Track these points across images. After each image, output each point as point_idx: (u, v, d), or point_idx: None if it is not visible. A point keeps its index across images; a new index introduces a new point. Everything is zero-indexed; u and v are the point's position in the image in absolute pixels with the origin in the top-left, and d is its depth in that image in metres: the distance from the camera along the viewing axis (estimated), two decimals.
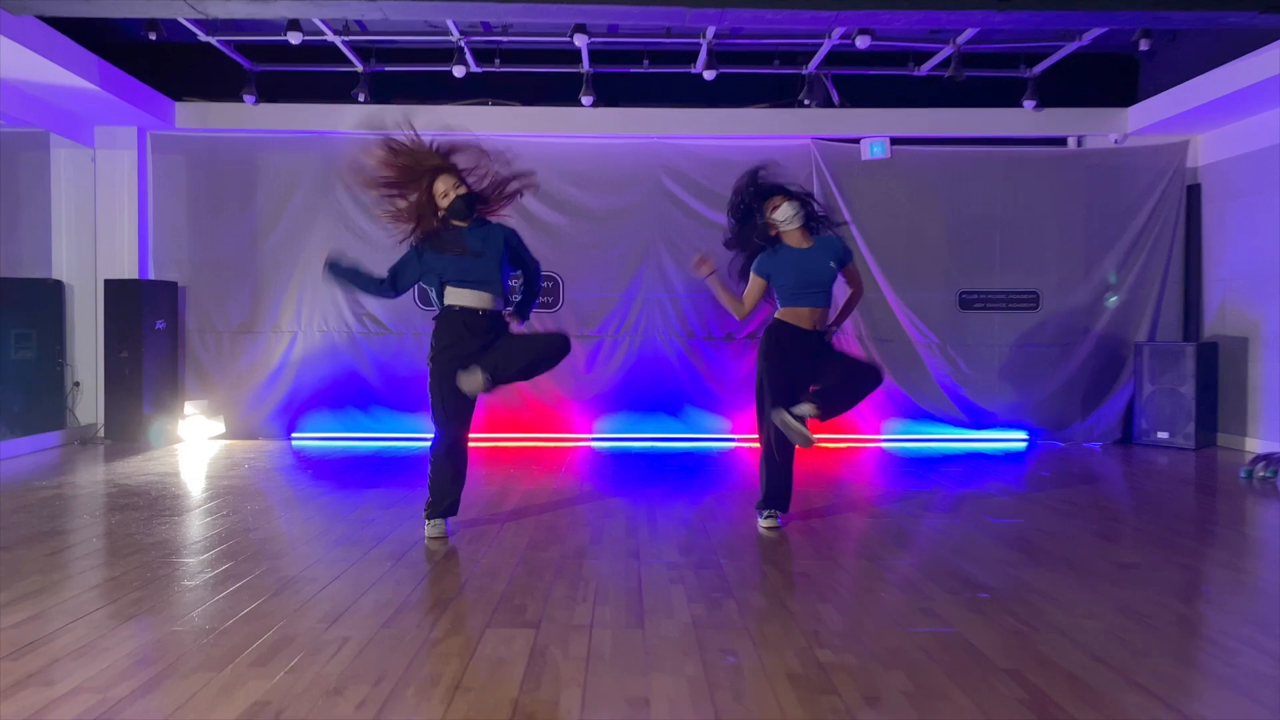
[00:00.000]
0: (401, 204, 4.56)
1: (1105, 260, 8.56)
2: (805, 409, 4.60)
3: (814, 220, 4.84)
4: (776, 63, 8.43)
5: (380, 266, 4.81)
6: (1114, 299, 8.57)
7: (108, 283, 8.13)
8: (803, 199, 4.82)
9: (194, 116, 8.45)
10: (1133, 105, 8.43)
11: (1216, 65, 7.35)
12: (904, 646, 3.04)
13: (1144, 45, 7.35)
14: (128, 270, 8.31)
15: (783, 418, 4.58)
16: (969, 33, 7.52)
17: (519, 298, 4.89)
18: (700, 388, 8.63)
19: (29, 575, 3.88)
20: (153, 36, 7.35)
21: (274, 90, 8.35)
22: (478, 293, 4.53)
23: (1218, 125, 8.17)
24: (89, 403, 8.44)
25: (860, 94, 8.53)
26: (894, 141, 8.50)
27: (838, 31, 7.32)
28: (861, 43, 7.16)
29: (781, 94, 8.54)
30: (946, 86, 8.32)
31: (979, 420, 8.58)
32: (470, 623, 3.29)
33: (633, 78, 8.45)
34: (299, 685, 2.72)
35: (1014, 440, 8.55)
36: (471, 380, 4.38)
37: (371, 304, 8.49)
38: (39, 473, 6.64)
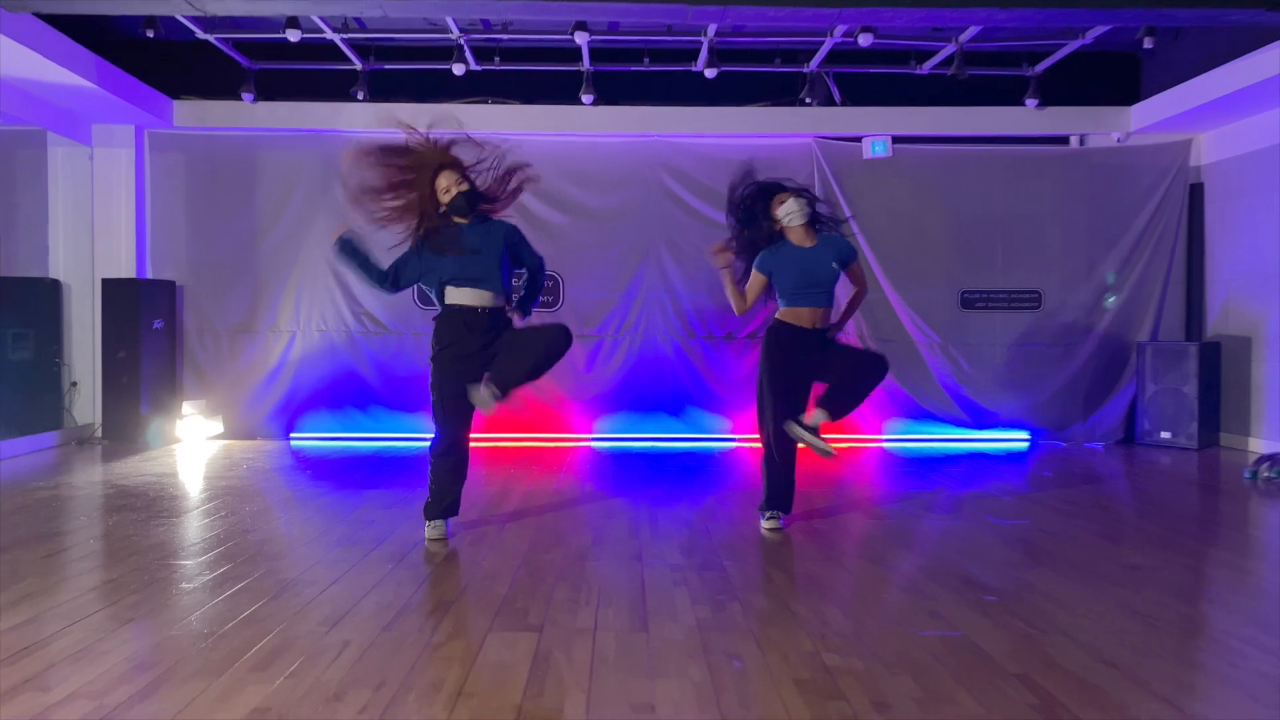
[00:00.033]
0: (402, 203, 4.52)
1: (1107, 260, 8.53)
2: (817, 416, 4.63)
3: (818, 218, 4.80)
4: (778, 61, 8.39)
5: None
6: (1112, 299, 8.54)
7: (105, 282, 8.08)
8: (808, 196, 4.79)
9: (192, 115, 8.41)
10: (1135, 104, 8.40)
11: (1219, 64, 7.32)
12: (911, 650, 3.00)
13: (1148, 43, 7.31)
14: (125, 269, 8.26)
15: (797, 432, 4.63)
16: (971, 31, 7.49)
17: (522, 293, 4.84)
18: (701, 387, 8.59)
19: (25, 578, 3.84)
20: (150, 34, 7.31)
21: (273, 88, 8.30)
22: (477, 291, 4.49)
23: (1221, 124, 8.14)
24: (86, 403, 8.40)
25: (862, 92, 8.49)
26: (896, 140, 8.47)
27: (840, 29, 7.28)
28: (864, 40, 7.12)
29: (783, 92, 8.51)
30: (948, 85, 8.29)
31: (981, 420, 8.55)
32: (472, 626, 3.25)
33: (633, 76, 8.41)
34: (299, 691, 2.68)
35: (1016, 440, 8.51)
36: (482, 397, 4.33)
37: (371, 303, 8.46)
38: (36, 473, 6.60)
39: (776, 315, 4.83)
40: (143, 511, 5.23)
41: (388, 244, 4.71)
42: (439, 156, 4.50)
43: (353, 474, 6.71)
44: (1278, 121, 7.56)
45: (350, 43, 7.91)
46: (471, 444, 4.71)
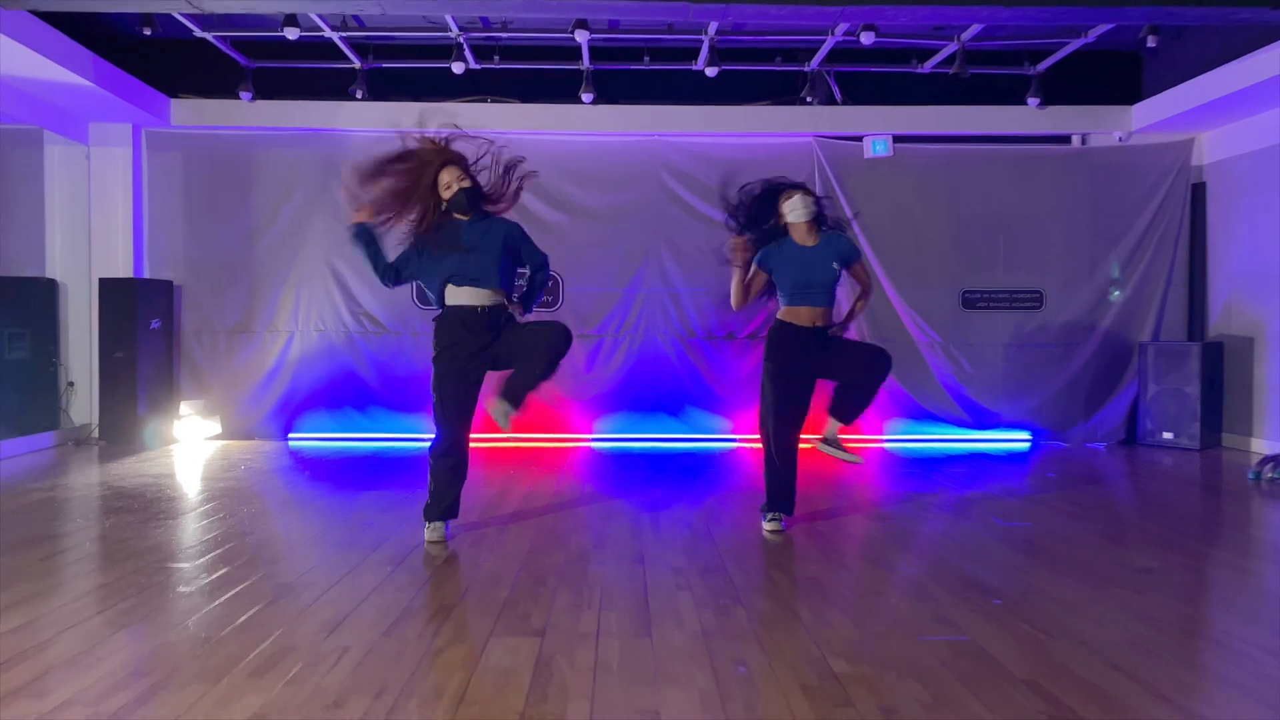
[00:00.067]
0: (406, 206, 4.46)
1: (1109, 259, 8.49)
2: (831, 426, 4.75)
3: (823, 217, 4.76)
4: (778, 60, 8.35)
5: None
6: (1117, 293, 8.51)
7: (102, 281, 8.03)
8: (815, 196, 4.74)
9: (190, 113, 8.36)
10: (1137, 103, 8.36)
11: (1222, 63, 7.28)
12: (918, 655, 2.96)
13: (1151, 42, 7.27)
14: (122, 269, 8.21)
15: (827, 450, 4.80)
16: (973, 29, 7.45)
17: (524, 290, 4.78)
18: (701, 388, 8.55)
19: (20, 582, 3.80)
20: (148, 32, 7.26)
21: (271, 87, 8.25)
22: (475, 290, 4.45)
23: (1223, 123, 8.10)
24: (83, 403, 8.34)
25: (863, 91, 8.46)
26: (897, 139, 8.43)
27: (842, 27, 7.24)
28: (866, 39, 7.08)
29: (783, 91, 8.47)
30: (949, 84, 8.25)
31: (982, 420, 8.51)
32: (473, 631, 3.21)
33: (633, 74, 8.37)
34: (298, 698, 2.64)
35: (1017, 441, 8.48)
36: (498, 412, 4.36)
37: (369, 303, 8.42)
38: (32, 474, 6.55)
39: (778, 316, 4.80)
40: (140, 513, 5.18)
41: (393, 243, 4.67)
42: (441, 154, 4.46)
43: (351, 475, 6.67)
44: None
45: (349, 41, 7.87)
46: (471, 445, 4.67)
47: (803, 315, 4.70)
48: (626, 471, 6.93)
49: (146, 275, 8.40)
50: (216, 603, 3.51)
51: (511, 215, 4.78)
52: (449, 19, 7.34)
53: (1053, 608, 3.48)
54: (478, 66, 8.11)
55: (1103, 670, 2.85)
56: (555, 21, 7.54)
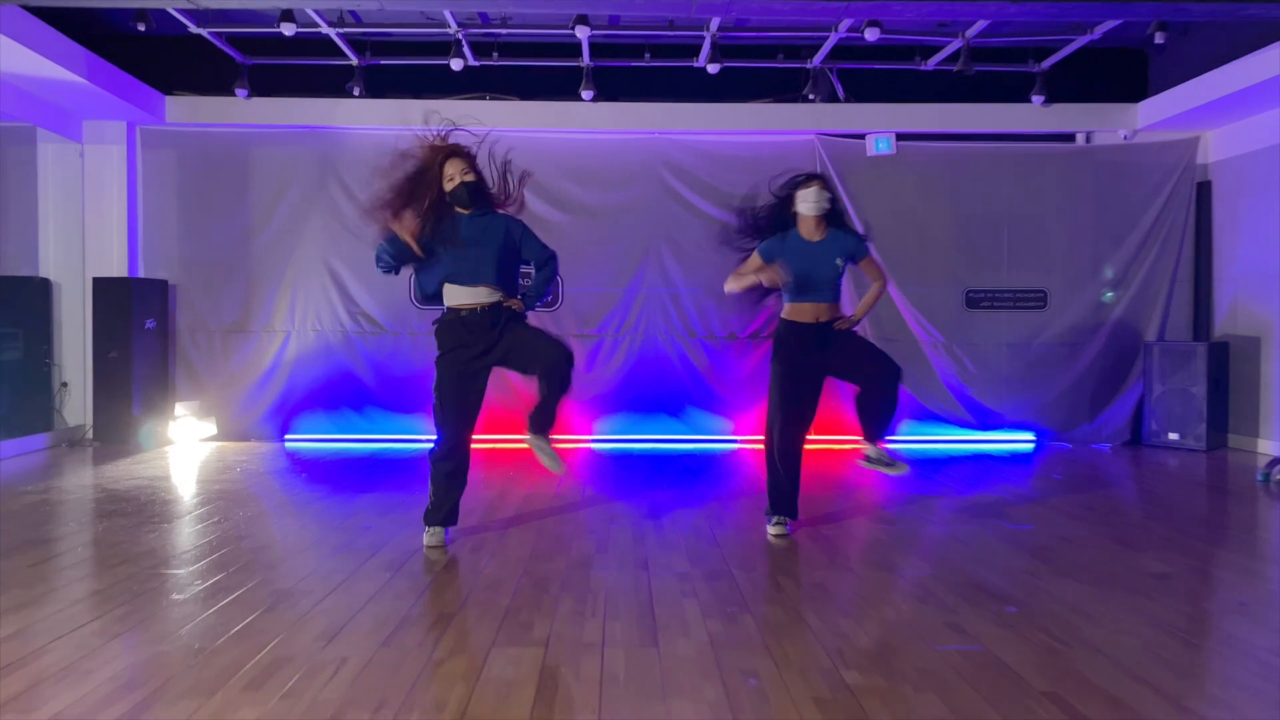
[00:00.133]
0: (414, 200, 4.36)
1: (1114, 259, 8.42)
2: (868, 449, 4.74)
3: (835, 216, 4.67)
4: (780, 57, 8.27)
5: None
6: (1110, 294, 8.43)
7: (96, 281, 7.93)
8: (831, 193, 4.63)
9: (185, 111, 8.26)
10: (1142, 101, 8.29)
11: (1228, 61, 7.21)
12: (934, 666, 2.88)
13: (1159, 38, 7.18)
14: (117, 268, 8.11)
15: (870, 466, 4.78)
16: (978, 26, 7.38)
17: (529, 286, 4.68)
18: (702, 388, 8.47)
19: (11, 588, 3.71)
20: (142, 28, 7.15)
21: (267, 84, 8.16)
22: (472, 289, 4.35)
23: (1229, 121, 8.03)
24: (77, 404, 8.25)
25: (866, 89, 8.38)
26: (900, 137, 8.35)
27: (845, 24, 7.16)
28: (870, 35, 6.99)
29: (785, 89, 8.39)
30: (953, 81, 8.18)
31: (985, 421, 8.44)
32: (475, 641, 3.12)
33: (634, 72, 8.28)
34: (295, 711, 2.56)
35: (1021, 441, 8.40)
36: (544, 452, 4.48)
37: (367, 303, 8.33)
38: (25, 477, 6.46)
39: (781, 314, 4.72)
40: (134, 517, 5.09)
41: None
42: (445, 148, 4.38)
43: (349, 477, 6.58)
44: None
45: (346, 38, 7.78)
46: (472, 446, 4.58)
47: (805, 311, 4.62)
48: (627, 473, 6.85)
49: (141, 274, 8.30)
50: (211, 610, 3.43)
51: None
52: (447, 15, 7.25)
53: (1068, 615, 3.40)
54: (476, 63, 8.02)
55: (1123, 681, 2.76)
56: (555, 17, 7.45)
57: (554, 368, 4.33)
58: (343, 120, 8.23)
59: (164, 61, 8.12)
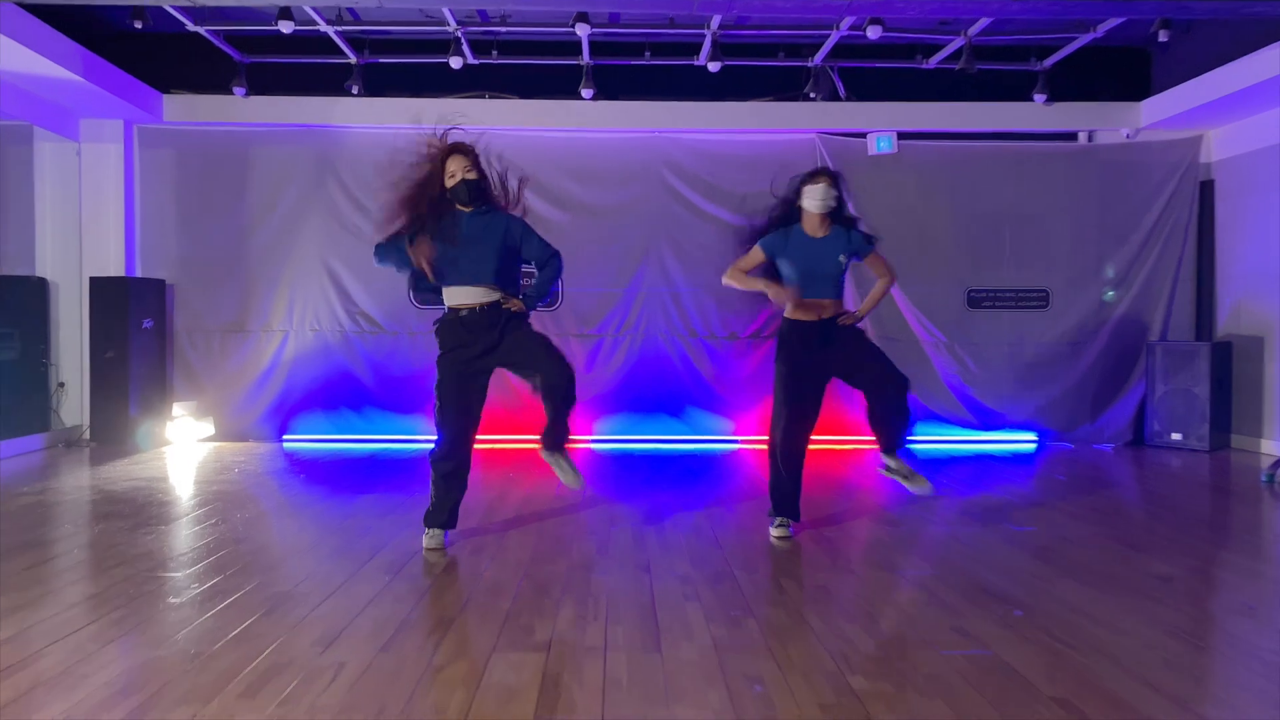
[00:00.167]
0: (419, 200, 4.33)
1: (1116, 258, 8.38)
2: (889, 462, 4.71)
3: (841, 215, 4.63)
4: (781, 55, 8.23)
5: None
6: (1111, 293, 8.39)
7: (93, 280, 7.88)
8: (839, 192, 4.58)
9: (182, 109, 8.21)
10: (1145, 99, 8.25)
11: (1232, 59, 7.17)
12: (941, 671, 2.84)
13: (1163, 36, 7.14)
14: (114, 268, 8.06)
15: (890, 476, 4.75)
16: (980, 24, 7.33)
17: (531, 285, 4.64)
18: (703, 388, 8.43)
19: (6, 591, 3.66)
20: (139, 26, 7.12)
21: (265, 82, 8.11)
22: (470, 289, 4.31)
23: (1232, 120, 7.98)
24: (74, 404, 8.20)
25: (867, 87, 8.33)
26: (901, 136, 8.31)
27: (847, 22, 7.12)
28: (872, 33, 6.94)
29: (786, 87, 8.34)
30: (955, 80, 8.14)
31: (987, 421, 8.40)
32: (475, 646, 3.08)
33: (634, 70, 8.24)
34: (292, 718, 2.51)
35: (1023, 442, 8.37)
36: (562, 471, 4.54)
37: (365, 302, 8.29)
38: (21, 478, 6.41)
39: (784, 313, 4.67)
40: (130, 518, 5.05)
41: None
42: (448, 145, 4.33)
43: (347, 478, 6.54)
44: None
45: (344, 36, 7.73)
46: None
47: (808, 308, 4.57)
48: (627, 474, 6.81)
49: (138, 274, 8.26)
50: (208, 614, 3.38)
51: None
52: (446, 12, 7.21)
53: (1074, 618, 3.36)
54: (476, 62, 7.97)
55: (1136, 688, 2.72)
56: (555, 15, 7.41)
57: (555, 387, 4.35)
58: (341, 119, 8.19)
59: (161, 60, 8.07)
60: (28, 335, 7.94)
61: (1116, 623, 3.32)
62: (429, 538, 4.43)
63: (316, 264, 8.28)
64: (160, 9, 7.06)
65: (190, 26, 7.42)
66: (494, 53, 8.04)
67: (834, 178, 4.56)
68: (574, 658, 2.96)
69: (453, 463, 4.43)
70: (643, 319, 8.39)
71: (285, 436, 8.30)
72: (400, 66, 8.13)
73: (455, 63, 7.69)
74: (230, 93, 7.99)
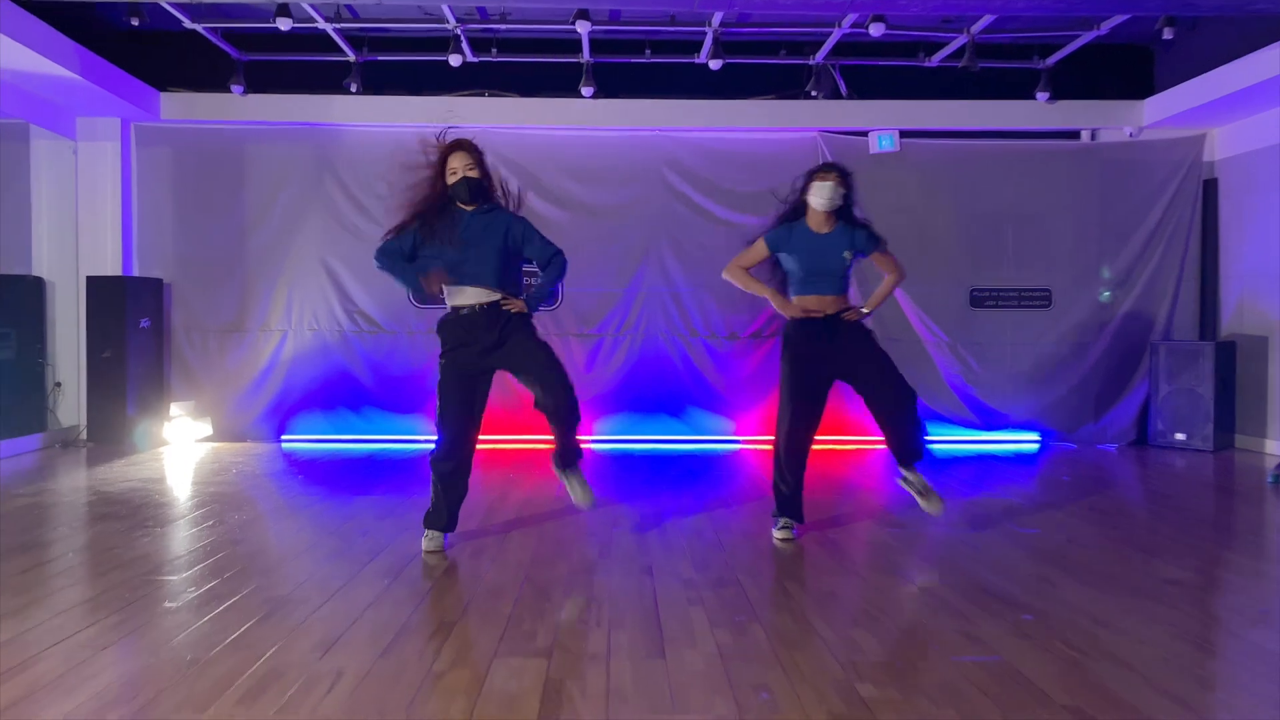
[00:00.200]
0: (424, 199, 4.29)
1: (1119, 257, 8.34)
2: (907, 475, 4.64)
3: (847, 214, 4.57)
4: (783, 53, 8.17)
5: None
6: (1108, 294, 8.34)
7: (90, 279, 7.83)
8: (847, 190, 4.52)
9: (180, 107, 8.16)
10: (1148, 97, 8.20)
11: (1235, 57, 7.13)
12: (952, 679, 2.79)
13: (1168, 34, 7.10)
14: (111, 267, 8.01)
15: (909, 490, 4.68)
16: (983, 22, 7.28)
17: (534, 286, 4.59)
18: (703, 388, 8.37)
19: (1, 595, 3.61)
20: (135, 23, 7.05)
21: (263, 80, 8.06)
22: (471, 289, 4.26)
23: (1236, 118, 7.94)
24: (71, 404, 8.14)
25: (869, 85, 8.28)
26: (903, 134, 8.25)
27: (849, 19, 7.07)
28: (875, 30, 6.89)
29: (787, 85, 8.30)
30: (957, 78, 8.08)
31: (990, 421, 8.35)
32: (476, 651, 3.02)
33: (635, 68, 8.18)
34: None
35: (1026, 442, 8.32)
36: (575, 490, 4.55)
37: (364, 302, 8.23)
38: (17, 479, 6.36)
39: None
40: (127, 520, 5.00)
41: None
42: (453, 140, 4.28)
43: (346, 478, 6.49)
44: None
45: (343, 33, 7.67)
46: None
47: (811, 304, 4.52)
48: (628, 474, 6.76)
49: (136, 273, 8.20)
50: (205, 619, 3.33)
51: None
52: (446, 9, 7.16)
53: (1085, 623, 3.31)
54: (475, 59, 7.91)
55: (1151, 696, 2.67)
56: (555, 12, 7.36)
57: (557, 407, 4.35)
58: (340, 117, 8.13)
59: (159, 58, 8.02)
60: (24, 335, 7.88)
61: (1128, 628, 3.26)
62: (428, 540, 4.38)
63: (315, 263, 8.23)
64: (157, 5, 7.00)
65: (187, 24, 7.36)
66: (494, 50, 7.98)
67: (844, 176, 4.50)
68: (577, 664, 2.90)
69: (452, 464, 4.38)
70: (643, 318, 8.34)
71: (283, 437, 8.25)
72: (399, 64, 8.08)
73: (455, 60, 7.64)
74: (228, 91, 7.94)
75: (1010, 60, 8.07)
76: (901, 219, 8.20)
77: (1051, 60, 8.01)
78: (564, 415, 4.38)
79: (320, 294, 8.24)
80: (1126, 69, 8.40)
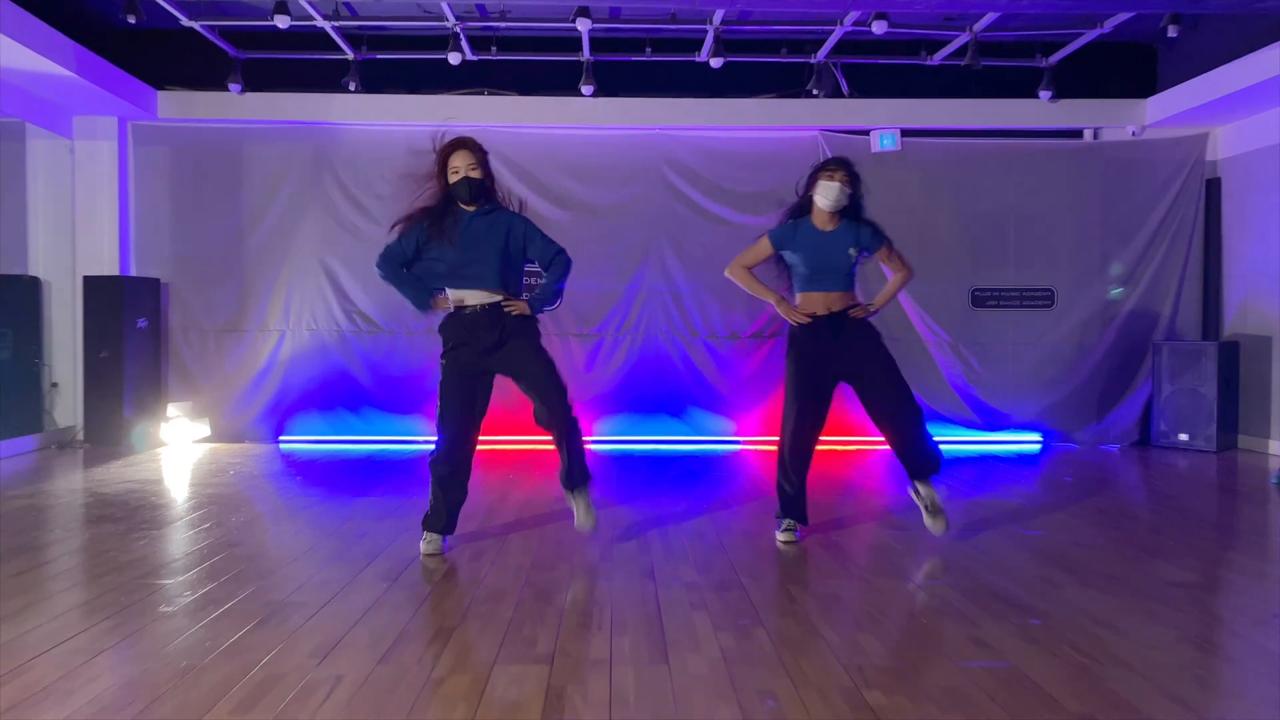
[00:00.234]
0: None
1: (1122, 256, 8.29)
2: (918, 489, 4.61)
3: (852, 211, 4.53)
4: (784, 51, 8.13)
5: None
6: (1119, 290, 8.30)
7: (87, 279, 7.78)
8: (853, 190, 4.48)
9: (177, 106, 8.11)
10: (1151, 96, 8.16)
11: (1238, 55, 7.09)
12: (960, 684, 2.74)
13: (1172, 32, 7.05)
14: (108, 266, 7.96)
15: (918, 502, 4.63)
16: (985, 20, 7.24)
17: (539, 285, 4.55)
18: (704, 388, 8.33)
19: None
20: (132, 20, 6.99)
21: (261, 79, 8.01)
22: (472, 290, 4.22)
23: (1239, 117, 7.90)
24: (67, 404, 8.10)
25: (870, 84, 8.24)
26: (905, 133, 8.20)
27: (851, 17, 7.03)
28: (878, 28, 6.85)
29: (789, 84, 8.26)
30: (959, 77, 8.04)
31: (992, 421, 8.31)
32: (477, 657, 2.98)
33: (635, 66, 8.14)
34: None
35: (1028, 442, 8.28)
36: (581, 513, 4.42)
37: (363, 302, 8.19)
38: (13, 480, 6.31)
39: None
40: (123, 522, 4.95)
41: (380, 238, 4.45)
42: (455, 139, 4.23)
43: (345, 479, 6.44)
44: None
45: (341, 31, 7.63)
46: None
47: (816, 301, 4.48)
48: (628, 475, 6.71)
49: (133, 273, 8.15)
50: (200, 624, 3.28)
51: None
52: (445, 7, 7.12)
53: (1093, 628, 3.26)
54: (474, 58, 7.87)
55: (1163, 703, 2.62)
56: (555, 10, 7.32)
57: (551, 420, 4.30)
58: (338, 116, 8.09)
59: (156, 56, 7.97)
60: (20, 335, 7.83)
61: (1137, 632, 3.22)
62: (426, 542, 4.33)
63: (313, 263, 8.18)
64: (154, 2, 6.97)
65: (185, 21, 7.32)
66: (493, 48, 7.94)
67: (851, 176, 4.45)
68: (578, 670, 2.86)
69: (448, 465, 4.33)
70: (643, 318, 8.30)
71: (281, 437, 8.20)
72: (398, 63, 8.04)
73: (454, 59, 7.59)
74: (226, 89, 7.89)
75: (1013, 59, 8.03)
76: (903, 218, 8.12)
77: (1054, 59, 7.97)
78: (560, 430, 4.32)
79: (319, 294, 8.19)
80: (1130, 67, 8.36)
